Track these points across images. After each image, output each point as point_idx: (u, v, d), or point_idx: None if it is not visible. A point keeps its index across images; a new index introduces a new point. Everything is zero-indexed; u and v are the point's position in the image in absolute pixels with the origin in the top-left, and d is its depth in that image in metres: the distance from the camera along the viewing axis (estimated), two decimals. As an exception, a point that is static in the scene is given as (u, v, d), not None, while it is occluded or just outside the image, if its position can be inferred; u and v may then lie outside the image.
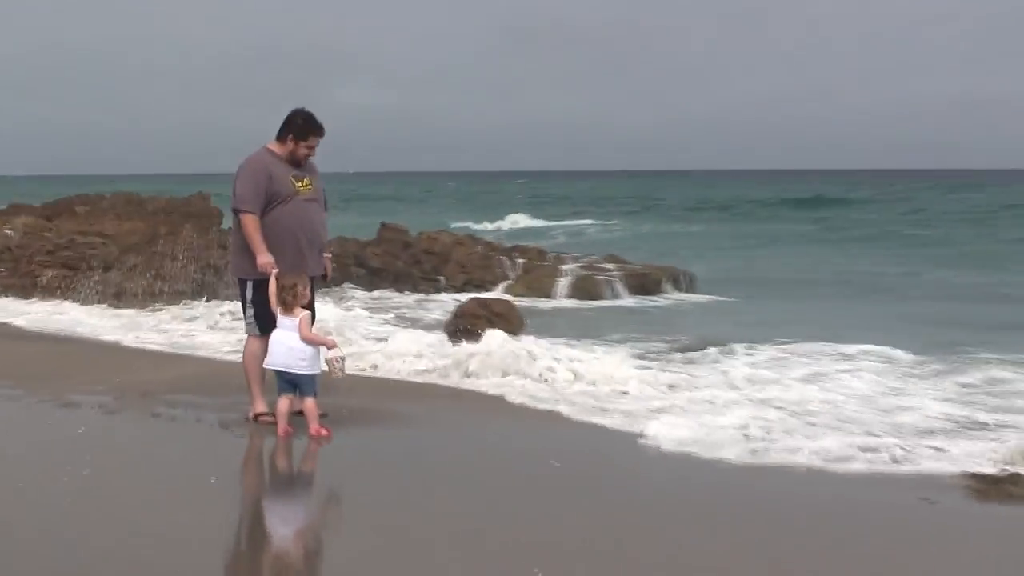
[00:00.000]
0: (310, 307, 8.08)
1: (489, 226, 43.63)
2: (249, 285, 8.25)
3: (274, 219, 8.19)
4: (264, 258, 7.98)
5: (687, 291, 23.46)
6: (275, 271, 7.96)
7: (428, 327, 14.61)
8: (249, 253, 8.08)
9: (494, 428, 8.26)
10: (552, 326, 14.85)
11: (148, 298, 17.90)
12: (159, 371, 10.37)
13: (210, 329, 14.54)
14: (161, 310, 16.20)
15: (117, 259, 19.24)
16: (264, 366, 7.92)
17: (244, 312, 8.36)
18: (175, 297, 18.42)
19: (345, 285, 23.88)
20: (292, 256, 8.22)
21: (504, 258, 24.68)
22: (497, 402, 9.17)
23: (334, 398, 8.85)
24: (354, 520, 6.01)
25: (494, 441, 7.83)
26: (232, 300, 17.18)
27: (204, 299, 17.98)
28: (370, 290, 23.57)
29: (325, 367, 7.95)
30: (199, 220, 23.88)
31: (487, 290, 23.11)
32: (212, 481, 6.51)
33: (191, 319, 15.33)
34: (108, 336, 13.20)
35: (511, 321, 15.88)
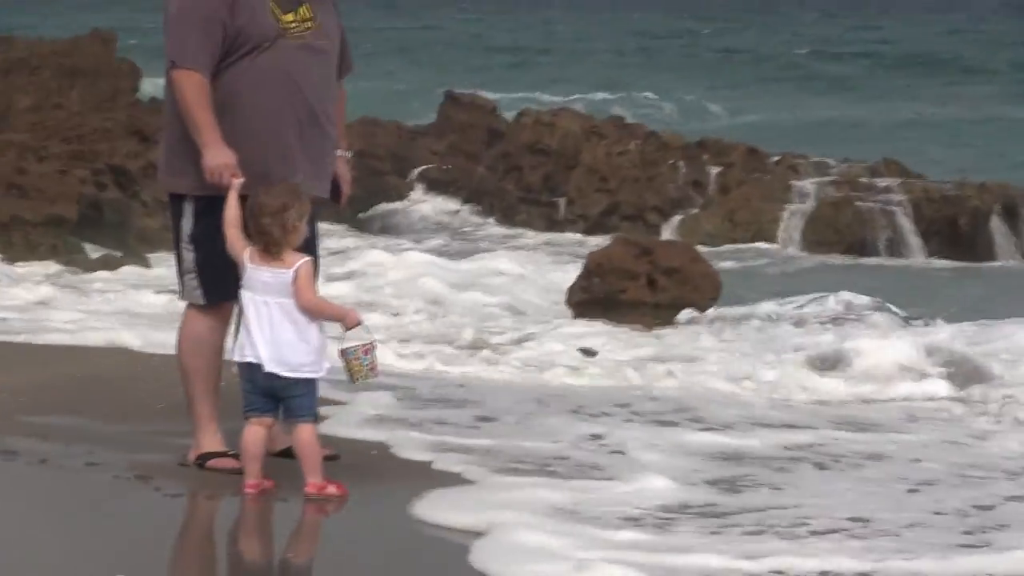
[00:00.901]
0: (309, 251, 6.49)
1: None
2: (187, 208, 6.65)
3: (240, 82, 6.57)
4: (217, 155, 6.43)
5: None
6: (238, 180, 6.37)
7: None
8: (186, 147, 6.52)
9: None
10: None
11: None
12: (9, 374, 8.67)
13: (108, 295, 12.40)
14: (13, 261, 14.05)
15: None
16: (233, 359, 6.45)
17: (178, 261, 6.78)
18: (44, 231, 14.84)
19: (377, 209, 19.41)
20: (274, 155, 6.55)
21: (683, 163, 19.62)
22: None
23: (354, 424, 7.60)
24: None
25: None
26: (157, 240, 14.79)
27: (97, 240, 15.24)
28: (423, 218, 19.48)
29: (339, 363, 6.34)
30: (93, 83, 19.55)
31: (650, 226, 18.48)
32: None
33: (72, 277, 13.23)
34: None
35: (698, 286, 12.25)
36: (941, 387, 9.67)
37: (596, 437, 7.89)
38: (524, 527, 5.83)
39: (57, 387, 8.61)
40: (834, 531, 6.04)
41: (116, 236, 15.70)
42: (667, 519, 6.20)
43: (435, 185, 19.69)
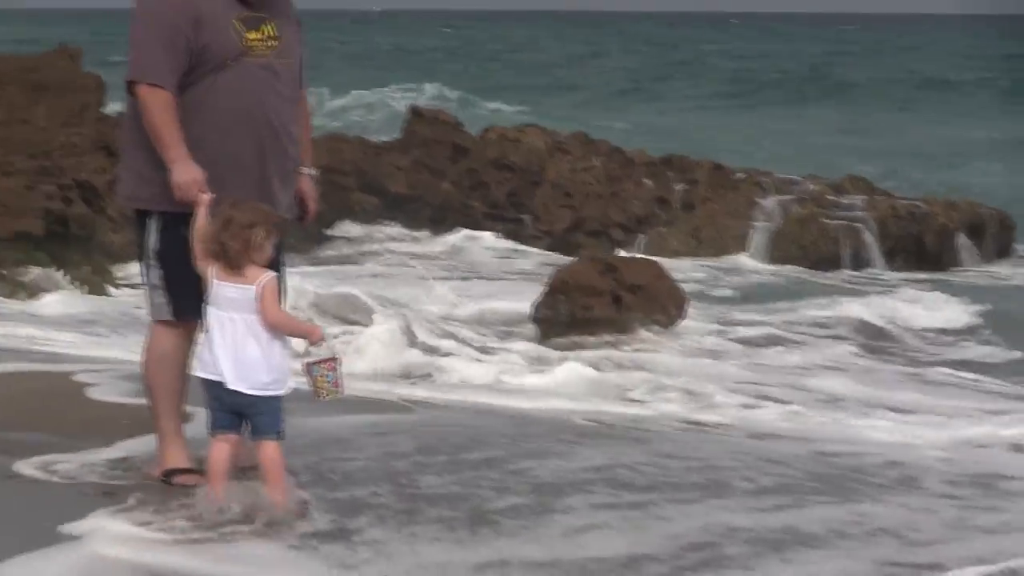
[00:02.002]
0: (274, 267, 6.30)
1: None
2: (152, 224, 6.49)
3: (202, 100, 6.40)
4: (185, 171, 6.27)
5: (999, 255, 18.60)
6: (206, 196, 6.26)
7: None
8: (150, 163, 6.35)
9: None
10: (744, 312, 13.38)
11: None
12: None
13: (64, 306, 12.55)
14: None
15: None
16: (194, 374, 6.29)
17: (145, 276, 6.58)
18: (11, 246, 14.54)
19: (339, 226, 19.13)
20: (240, 172, 6.40)
21: (647, 181, 19.51)
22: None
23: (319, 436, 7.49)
24: None
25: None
26: (123, 256, 14.76)
27: (63, 256, 14.84)
28: (385, 233, 19.01)
29: (303, 380, 6.18)
30: (60, 97, 19.04)
31: (615, 243, 18.26)
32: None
33: (31, 293, 13.16)
34: None
35: (662, 303, 12.26)
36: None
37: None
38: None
39: (15, 402, 8.24)
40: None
41: (82, 251, 15.41)
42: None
43: (395, 200, 19.23)
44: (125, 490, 6.41)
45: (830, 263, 17.89)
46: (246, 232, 6.09)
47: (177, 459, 6.53)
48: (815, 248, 17.87)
